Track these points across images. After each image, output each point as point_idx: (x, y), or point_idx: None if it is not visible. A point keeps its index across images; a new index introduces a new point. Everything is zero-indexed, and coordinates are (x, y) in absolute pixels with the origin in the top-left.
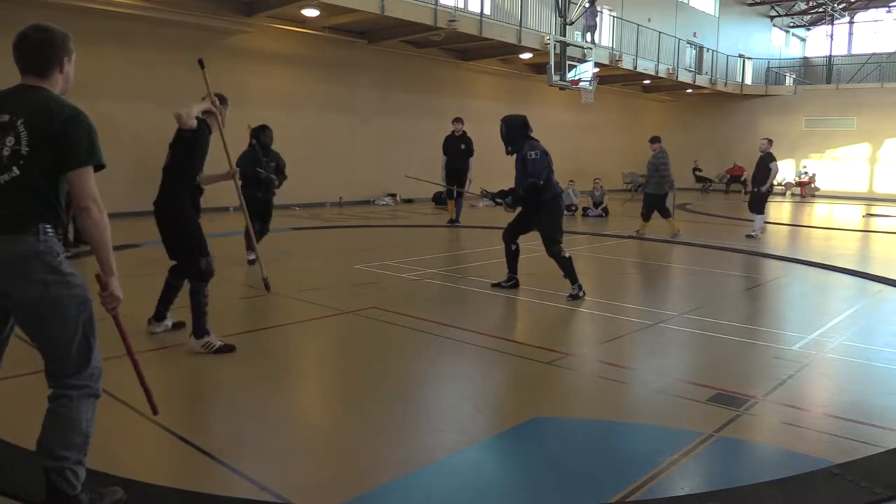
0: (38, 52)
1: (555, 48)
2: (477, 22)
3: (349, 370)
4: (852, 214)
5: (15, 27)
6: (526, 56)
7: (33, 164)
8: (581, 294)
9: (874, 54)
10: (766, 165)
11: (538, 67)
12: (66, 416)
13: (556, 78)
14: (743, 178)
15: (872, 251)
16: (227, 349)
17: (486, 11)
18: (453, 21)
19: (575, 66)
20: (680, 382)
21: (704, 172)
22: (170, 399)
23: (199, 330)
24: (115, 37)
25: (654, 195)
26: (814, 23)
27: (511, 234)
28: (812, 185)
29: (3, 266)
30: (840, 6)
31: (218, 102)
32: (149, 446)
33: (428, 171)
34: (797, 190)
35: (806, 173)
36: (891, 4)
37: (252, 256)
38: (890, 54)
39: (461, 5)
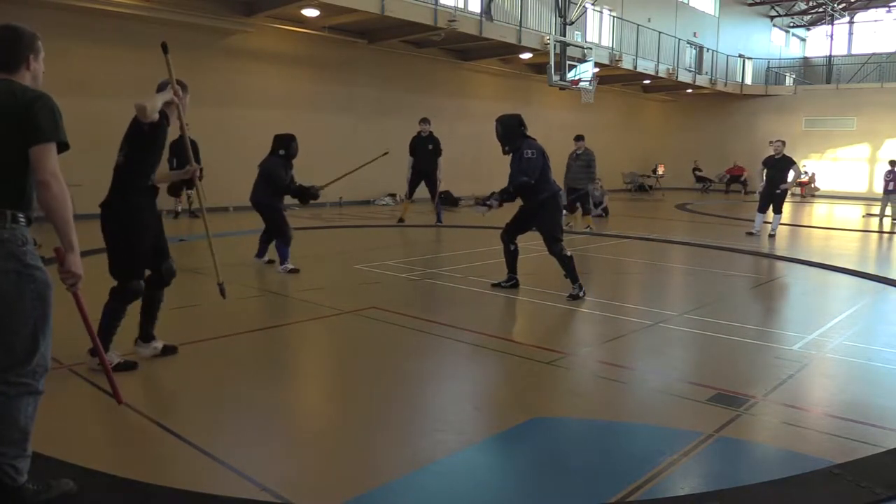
0: (7, 49)
1: (555, 48)
2: (477, 22)
3: (349, 370)
4: (852, 214)
5: None
6: (526, 56)
7: (1, 147)
8: (581, 294)
9: (874, 54)
10: (786, 167)
11: (538, 67)
12: (2, 414)
13: (556, 78)
14: (743, 179)
15: (872, 251)
16: (128, 366)
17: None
18: (453, 21)
19: (575, 66)
20: (680, 382)
21: (704, 172)
22: (170, 399)
23: (95, 348)
24: (115, 37)
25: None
26: (814, 23)
27: (510, 234)
28: (812, 185)
29: None
30: (840, 6)
31: (181, 91)
32: (149, 446)
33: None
34: (797, 190)
35: (806, 173)
36: (891, 4)
37: (266, 258)
38: (890, 54)
39: (461, 5)
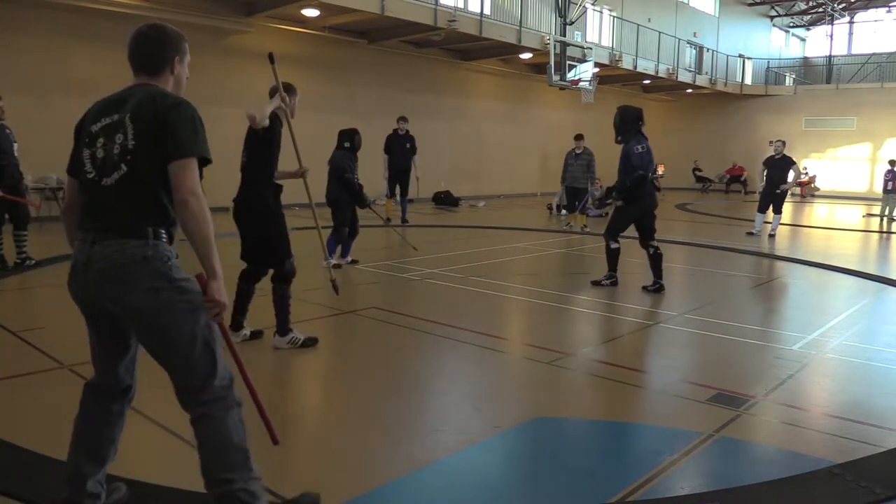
0: (150, 50)
1: (555, 48)
2: (477, 22)
3: (349, 370)
4: (852, 214)
5: (14, 27)
6: (526, 56)
7: (141, 159)
8: (605, 283)
9: (874, 54)
10: (787, 166)
11: (538, 67)
12: (214, 435)
13: (556, 78)
14: (743, 178)
15: (872, 251)
16: (311, 342)
17: (487, 11)
18: (453, 21)
19: (575, 66)
20: (680, 382)
21: (704, 172)
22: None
23: (284, 329)
24: (115, 37)
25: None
26: (814, 23)
27: (612, 234)
28: (812, 185)
29: (110, 272)
30: (840, 6)
31: (287, 97)
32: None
33: (427, 171)
34: (797, 190)
35: (806, 173)
36: (891, 4)
37: (334, 260)
38: (890, 54)
39: (461, 5)
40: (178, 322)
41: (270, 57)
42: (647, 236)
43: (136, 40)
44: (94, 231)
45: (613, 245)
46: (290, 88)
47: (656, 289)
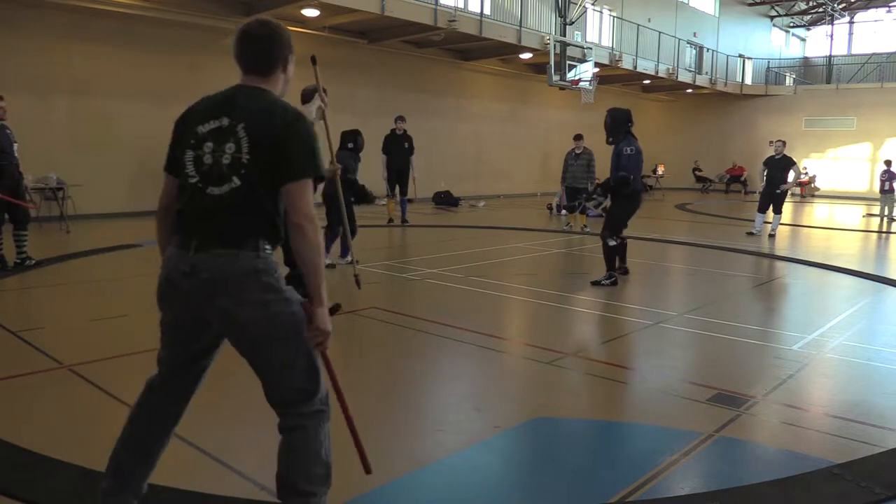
0: (263, 49)
1: (555, 48)
2: (477, 22)
3: (349, 370)
4: (852, 214)
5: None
6: (526, 56)
7: (254, 175)
8: (606, 283)
9: (874, 54)
10: (787, 167)
11: (538, 67)
12: (305, 449)
13: (556, 78)
14: (743, 178)
15: (872, 251)
16: None
17: (486, 11)
18: (453, 21)
19: (575, 66)
20: (680, 382)
21: (704, 172)
22: None
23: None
24: (115, 37)
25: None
26: (814, 23)
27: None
28: (812, 185)
29: (221, 284)
30: (840, 6)
31: (326, 97)
32: None
33: (428, 171)
34: (797, 190)
35: (806, 173)
36: (891, 4)
37: (349, 258)
38: (890, 54)
39: (461, 5)
40: (284, 335)
41: (313, 59)
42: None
43: (246, 39)
44: (198, 239)
45: (612, 243)
46: (325, 91)
47: (622, 272)
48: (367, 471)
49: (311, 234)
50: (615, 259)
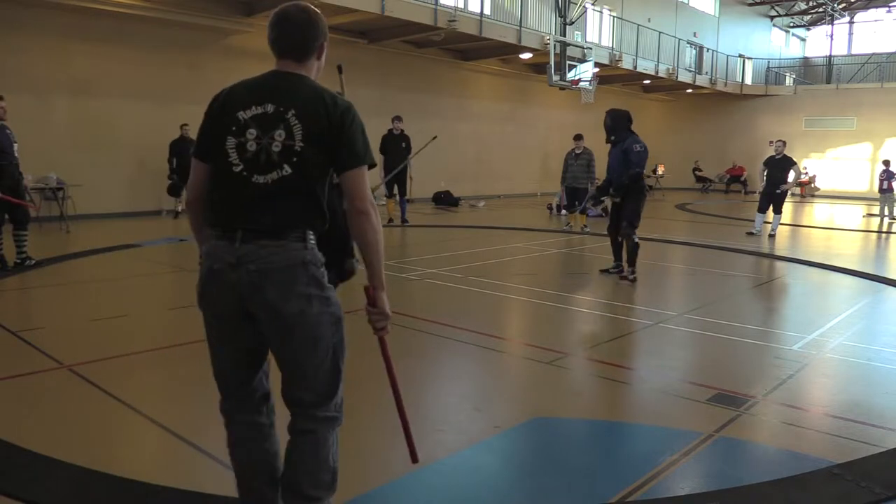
0: (300, 33)
1: (555, 48)
2: (477, 22)
3: (348, 370)
4: (852, 214)
5: (14, 27)
6: (526, 56)
7: (308, 163)
8: (632, 278)
9: (874, 54)
10: (787, 166)
11: (538, 67)
12: (314, 454)
13: (556, 78)
14: (743, 178)
15: (872, 251)
16: None
17: (486, 11)
18: (453, 21)
19: (575, 66)
20: (680, 382)
21: (704, 172)
22: (170, 399)
23: None
24: (115, 37)
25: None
26: (814, 23)
27: (618, 228)
28: (812, 185)
29: (269, 275)
30: (840, 6)
31: None
32: (149, 446)
33: (428, 171)
34: (797, 190)
35: (806, 173)
36: (891, 4)
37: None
38: (890, 54)
39: (461, 5)
40: (320, 333)
41: (339, 68)
42: (620, 225)
43: (283, 24)
44: (243, 230)
45: (637, 238)
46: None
47: (618, 270)
48: (415, 460)
49: (374, 220)
50: (636, 256)
